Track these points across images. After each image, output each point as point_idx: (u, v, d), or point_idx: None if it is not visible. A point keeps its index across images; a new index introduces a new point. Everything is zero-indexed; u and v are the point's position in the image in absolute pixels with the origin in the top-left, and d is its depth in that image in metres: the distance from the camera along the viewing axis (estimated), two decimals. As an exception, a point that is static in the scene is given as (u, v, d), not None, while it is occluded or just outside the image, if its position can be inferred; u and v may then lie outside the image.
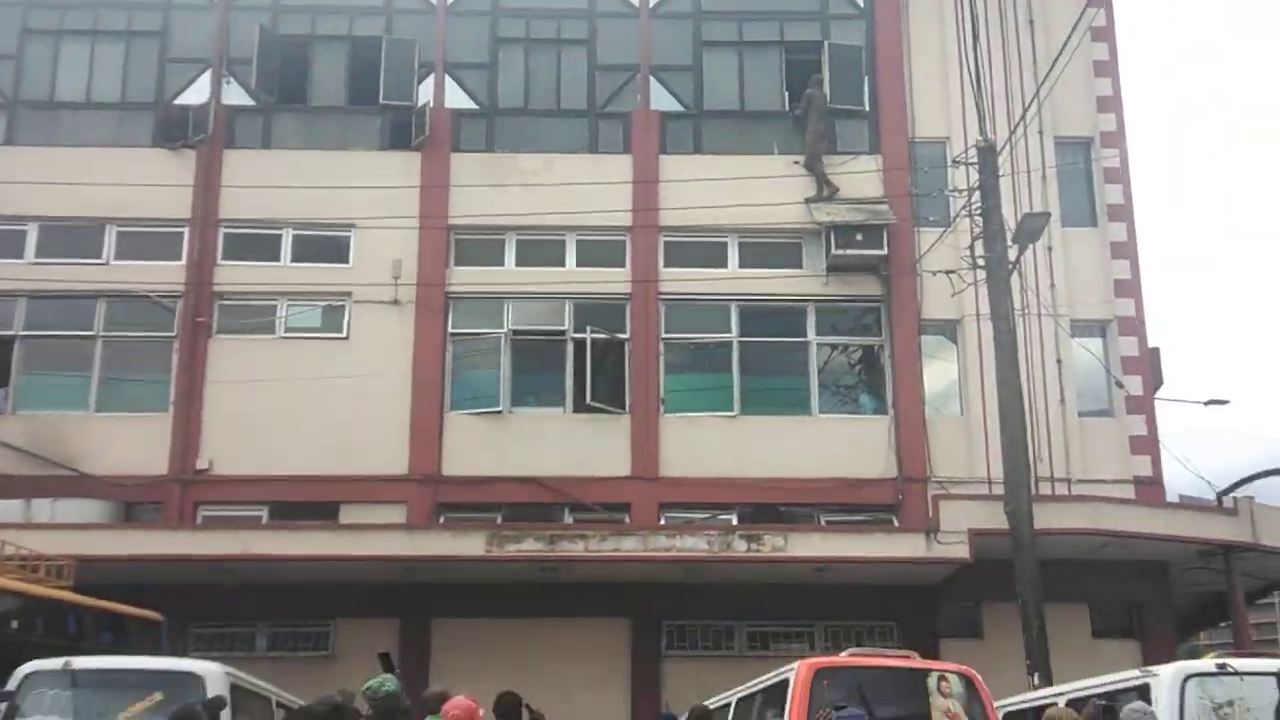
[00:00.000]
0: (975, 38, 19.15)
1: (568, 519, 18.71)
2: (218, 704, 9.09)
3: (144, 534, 17.24)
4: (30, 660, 9.96)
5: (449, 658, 17.37)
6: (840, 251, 19.56)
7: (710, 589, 17.68)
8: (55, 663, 9.88)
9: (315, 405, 18.88)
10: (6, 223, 19.65)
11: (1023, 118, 18.60)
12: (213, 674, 9.95)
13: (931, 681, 10.34)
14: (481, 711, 6.73)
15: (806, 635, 18.32)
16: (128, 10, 20.87)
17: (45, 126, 20.32)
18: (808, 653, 17.40)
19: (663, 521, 18.63)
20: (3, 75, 20.51)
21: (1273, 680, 9.94)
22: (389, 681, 7.85)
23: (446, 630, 17.86)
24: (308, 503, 18.55)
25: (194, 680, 9.63)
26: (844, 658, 11.11)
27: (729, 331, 19.90)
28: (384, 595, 17.48)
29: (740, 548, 16.64)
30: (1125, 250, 20.24)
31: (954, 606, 18.29)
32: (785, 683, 10.43)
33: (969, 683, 10.40)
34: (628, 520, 18.67)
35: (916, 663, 10.85)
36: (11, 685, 9.57)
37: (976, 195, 16.99)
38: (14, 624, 11.75)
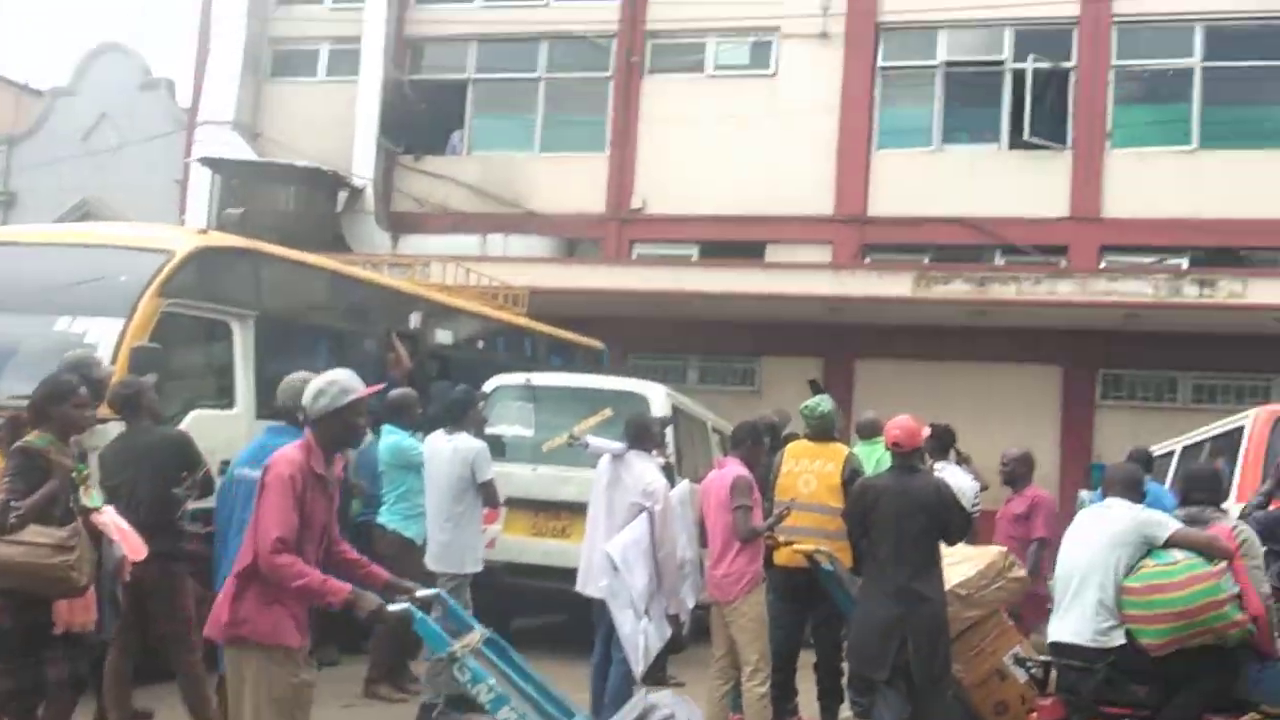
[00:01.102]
0: None
1: (999, 261, 18.05)
2: (664, 421, 9.60)
3: (585, 268, 18.28)
4: (496, 376, 10.90)
5: (872, 398, 17.42)
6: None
7: (1152, 337, 16.62)
8: (519, 378, 10.76)
9: (743, 145, 18.93)
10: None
11: None
12: (658, 394, 10.49)
13: None
14: (926, 431, 6.68)
15: (1261, 390, 16.91)
16: None
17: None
18: (1262, 408, 16.25)
19: (1103, 265, 17.57)
20: None
21: None
22: (824, 402, 7.97)
23: (869, 371, 17.95)
24: (735, 242, 18.95)
25: (641, 399, 10.17)
26: (1312, 407, 10.15)
27: (1191, 56, 17.96)
28: (808, 334, 17.73)
29: (1191, 293, 15.40)
30: None
31: None
32: (1240, 430, 9.68)
33: None
34: (1064, 263, 17.76)
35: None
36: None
37: None
38: (481, 344, 12.92)
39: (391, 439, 8.67)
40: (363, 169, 19.88)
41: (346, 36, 20.61)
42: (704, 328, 17.99)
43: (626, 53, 19.71)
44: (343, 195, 19.79)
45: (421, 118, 20.42)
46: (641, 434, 7.49)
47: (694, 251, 19.26)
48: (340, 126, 19.89)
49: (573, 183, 19.63)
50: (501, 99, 20.73)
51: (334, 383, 4.83)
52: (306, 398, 4.84)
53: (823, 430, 7.86)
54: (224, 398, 8.71)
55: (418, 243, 18.96)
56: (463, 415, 8.24)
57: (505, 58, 20.49)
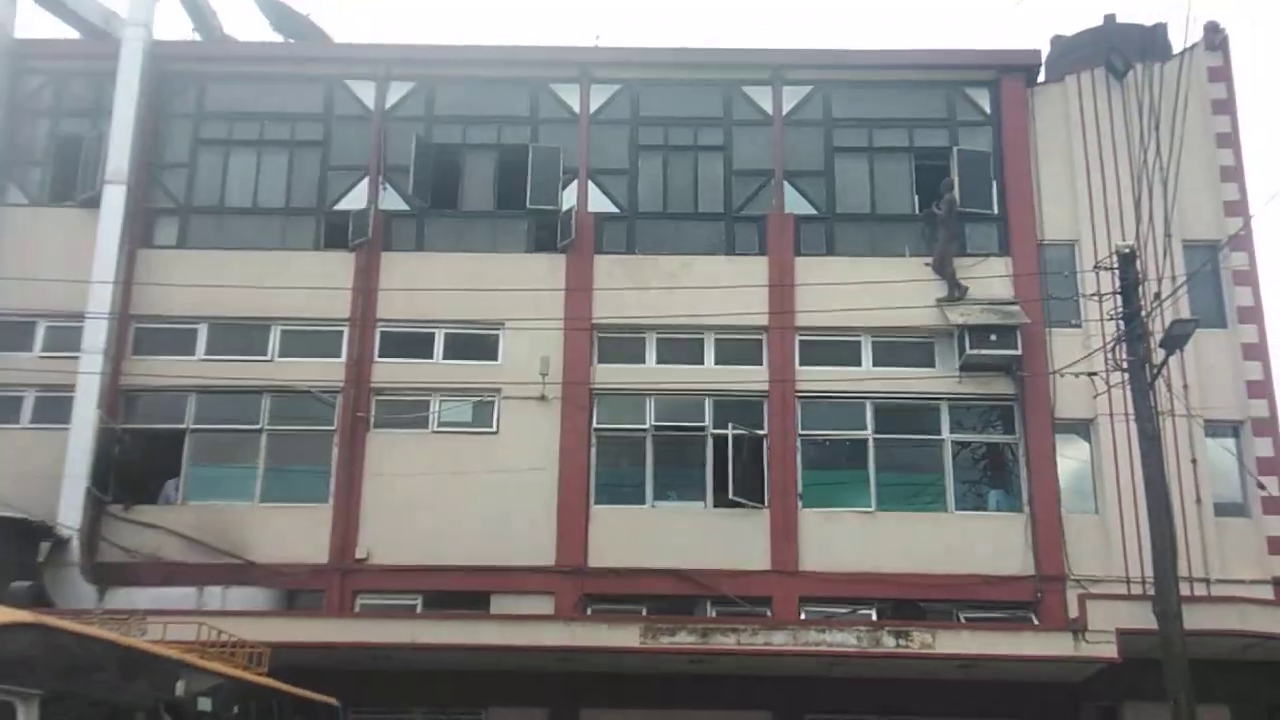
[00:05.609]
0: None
1: (710, 612, 19.22)
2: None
3: (309, 622, 17.96)
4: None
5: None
6: (975, 351, 20.05)
7: (851, 682, 17.99)
8: (294, 749, 10.52)
9: (466, 497, 19.67)
10: (179, 322, 20.83)
11: (1147, 222, 19.10)
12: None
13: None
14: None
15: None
16: (292, 121, 22.16)
17: (215, 231, 21.58)
18: (950, 748, 17.85)
19: (803, 615, 19.05)
20: (176, 182, 21.86)
21: None
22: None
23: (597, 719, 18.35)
24: (459, 592, 19.28)
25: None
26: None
27: (864, 429, 20.43)
28: (533, 684, 18.02)
29: (889, 643, 16.97)
30: (1257, 352, 20.54)
31: (1093, 706, 18.43)
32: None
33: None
34: (769, 613, 19.13)
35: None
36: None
37: (1115, 299, 17.44)
38: (235, 709, 12.49)
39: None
40: (69, 518, 19.05)
41: (55, 385, 20.17)
42: (426, 679, 17.93)
43: (352, 408, 20.26)
44: (45, 546, 18.78)
45: (134, 466, 19.96)
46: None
47: (418, 602, 19.36)
48: (45, 474, 19.18)
49: (295, 532, 19.59)
50: (221, 449, 20.61)
51: None
52: None
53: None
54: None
55: (126, 596, 18.10)
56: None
57: (226, 409, 20.54)
